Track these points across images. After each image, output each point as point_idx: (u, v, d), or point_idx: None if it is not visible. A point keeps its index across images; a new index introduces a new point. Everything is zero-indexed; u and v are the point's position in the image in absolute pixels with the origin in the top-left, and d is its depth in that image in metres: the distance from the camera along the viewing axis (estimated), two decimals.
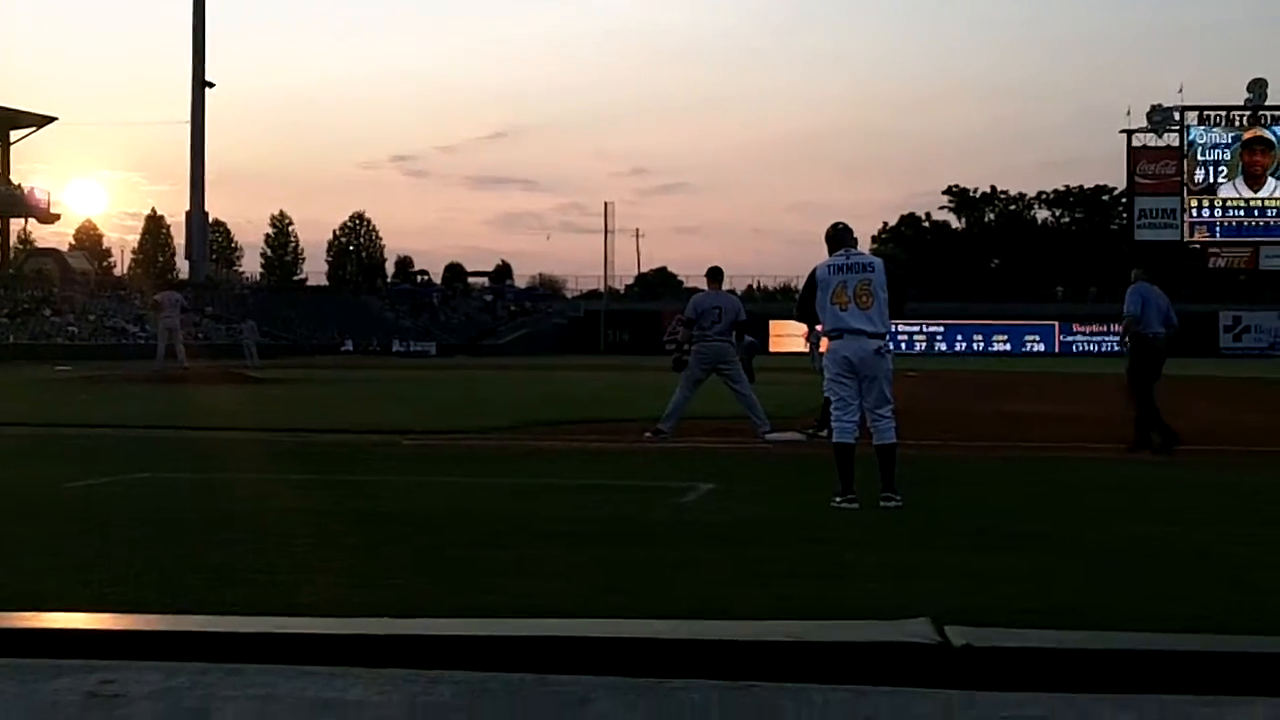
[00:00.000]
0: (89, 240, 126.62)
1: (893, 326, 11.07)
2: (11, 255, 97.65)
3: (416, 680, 1.36)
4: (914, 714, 1.35)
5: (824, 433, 14.98)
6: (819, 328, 11.62)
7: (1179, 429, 15.79)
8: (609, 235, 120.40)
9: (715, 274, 18.63)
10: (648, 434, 17.35)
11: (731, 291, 19.45)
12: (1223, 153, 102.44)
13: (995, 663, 1.47)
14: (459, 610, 5.99)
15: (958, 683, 1.42)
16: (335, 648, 1.46)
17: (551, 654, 1.44)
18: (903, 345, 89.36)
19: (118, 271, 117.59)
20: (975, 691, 1.42)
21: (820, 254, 11.27)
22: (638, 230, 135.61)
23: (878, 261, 11.07)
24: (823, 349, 12.03)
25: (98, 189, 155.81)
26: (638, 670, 1.39)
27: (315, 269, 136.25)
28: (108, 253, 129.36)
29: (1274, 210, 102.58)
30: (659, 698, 1.35)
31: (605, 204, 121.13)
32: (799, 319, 11.96)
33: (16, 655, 1.48)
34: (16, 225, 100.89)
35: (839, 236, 11.18)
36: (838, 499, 10.39)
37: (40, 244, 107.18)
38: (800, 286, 12.40)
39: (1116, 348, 16.99)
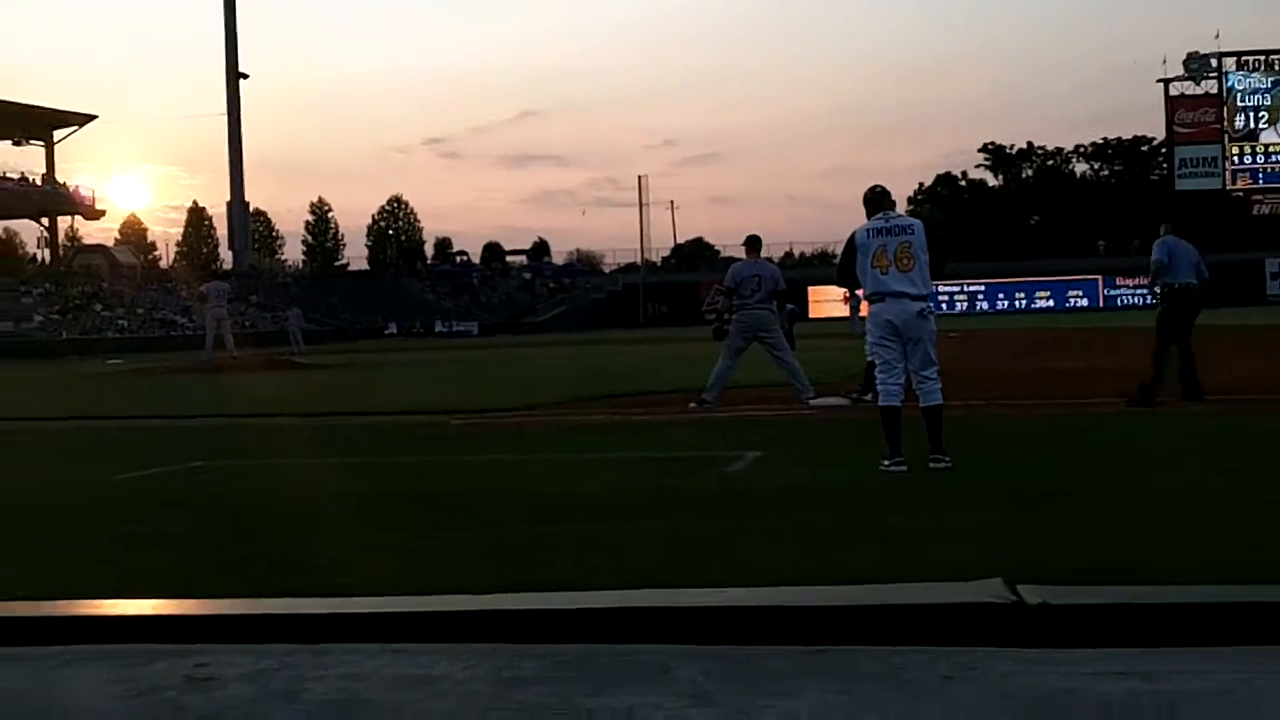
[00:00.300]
0: (134, 235, 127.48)
1: (934, 288, 11.01)
2: (60, 253, 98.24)
3: (501, 654, 1.39)
4: (995, 672, 1.37)
5: (868, 396, 14.98)
6: (860, 292, 11.59)
7: (1202, 385, 15.77)
8: (644, 208, 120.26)
9: (753, 242, 18.55)
10: (692, 404, 17.37)
11: (769, 259, 19.35)
12: (1263, 98, 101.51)
13: (1070, 620, 1.49)
14: (518, 586, 6.04)
15: (1033, 641, 1.44)
16: (417, 625, 1.49)
17: (628, 624, 1.47)
18: (944, 306, 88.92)
19: (163, 264, 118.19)
20: (1051, 649, 1.44)
21: (856, 217, 11.23)
22: (672, 202, 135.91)
23: (917, 223, 11.02)
24: (863, 312, 12.00)
25: (140, 184, 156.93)
26: (713, 638, 1.41)
27: (356, 254, 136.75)
28: (153, 246, 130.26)
29: None
30: (737, 664, 1.37)
31: (639, 177, 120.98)
32: (840, 284, 11.94)
33: (109, 641, 1.52)
34: (64, 223, 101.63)
35: (877, 199, 11.14)
36: (886, 462, 10.39)
37: (87, 240, 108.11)
38: (837, 251, 12.39)
39: (1147, 300, 16.83)
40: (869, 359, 12.29)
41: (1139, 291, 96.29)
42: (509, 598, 1.48)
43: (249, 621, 1.65)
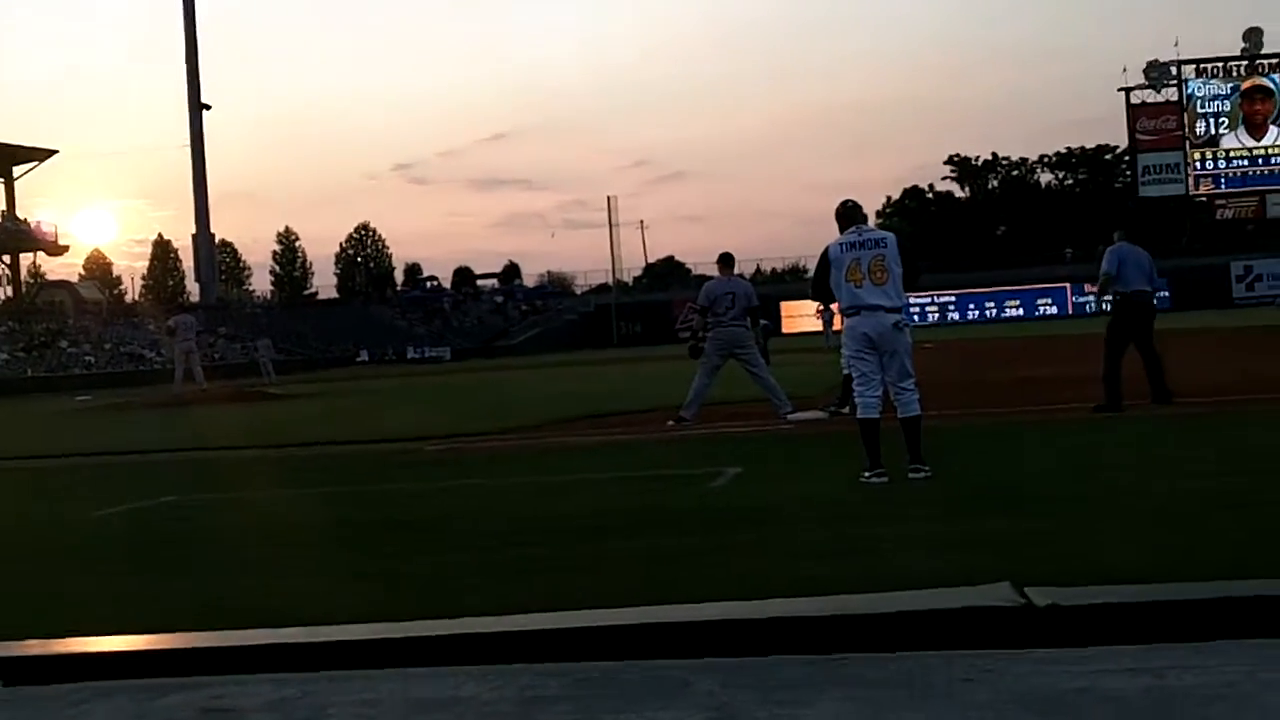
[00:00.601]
0: (99, 269, 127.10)
1: (907, 299, 11.08)
2: (24, 290, 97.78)
3: (525, 674, 1.40)
4: (1011, 674, 1.38)
5: (845, 409, 15.02)
6: (833, 306, 11.64)
7: (1173, 389, 15.90)
8: (614, 229, 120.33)
9: (726, 259, 18.60)
10: (670, 422, 17.41)
11: (742, 276, 19.40)
12: (1223, 104, 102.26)
13: (1080, 620, 1.51)
14: (507, 609, 6.04)
15: (1044, 641, 1.46)
16: (440, 648, 1.49)
17: (643, 640, 1.48)
18: (915, 317, 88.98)
19: (129, 298, 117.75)
20: (1063, 649, 1.45)
21: (827, 232, 11.28)
22: (642, 222, 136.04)
23: (890, 236, 11.08)
24: (836, 326, 12.06)
25: (104, 218, 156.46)
26: (729, 650, 1.42)
27: (325, 282, 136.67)
28: (118, 280, 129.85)
29: (1278, 158, 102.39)
30: (755, 676, 1.39)
31: (608, 198, 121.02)
32: (815, 299, 11.97)
33: (121, 677, 1.52)
34: (26, 260, 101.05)
35: (849, 214, 11.19)
36: (867, 474, 10.42)
37: (51, 276, 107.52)
38: (809, 266, 12.43)
39: (1096, 307, 16.83)
40: (845, 372, 12.31)
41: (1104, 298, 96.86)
42: (532, 618, 1.49)
43: (265, 652, 1.65)
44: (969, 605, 1.58)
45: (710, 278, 18.91)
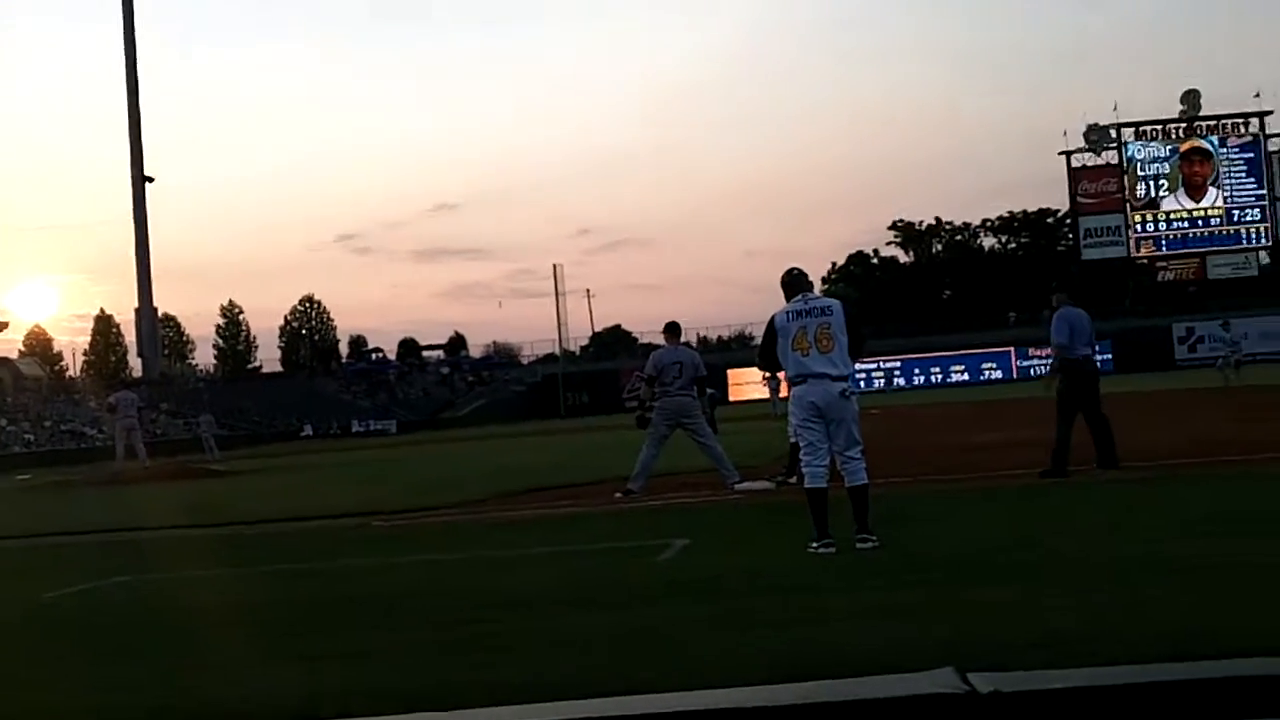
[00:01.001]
0: (39, 345, 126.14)
1: (854, 366, 11.12)
2: None
3: None
4: None
5: (792, 479, 15.03)
6: (780, 374, 11.65)
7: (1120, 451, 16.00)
8: (560, 297, 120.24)
9: (673, 329, 18.61)
10: (618, 494, 17.38)
11: (689, 345, 19.40)
12: (1162, 166, 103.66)
13: (1022, 707, 1.50)
14: (460, 689, 6.01)
15: None
16: None
17: None
18: (861, 383, 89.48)
19: (70, 374, 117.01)
20: None
21: (773, 299, 11.31)
22: (588, 290, 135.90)
23: (836, 304, 11.11)
24: (783, 394, 12.09)
25: (44, 293, 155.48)
26: None
27: (269, 356, 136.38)
28: (59, 356, 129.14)
29: (1217, 219, 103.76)
30: None
31: (554, 266, 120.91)
32: (762, 368, 11.98)
33: None
34: None
35: (795, 283, 11.23)
36: (814, 544, 10.42)
37: None
38: (755, 333, 12.48)
39: (1044, 372, 16.72)
40: (792, 440, 12.32)
41: (1049, 361, 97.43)
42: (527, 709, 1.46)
43: None
44: (911, 694, 1.56)
45: (657, 346, 18.92)
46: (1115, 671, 1.56)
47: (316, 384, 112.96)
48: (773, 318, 11.13)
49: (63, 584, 12.22)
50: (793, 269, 11.38)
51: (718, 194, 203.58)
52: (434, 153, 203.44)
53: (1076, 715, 1.47)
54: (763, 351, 11.35)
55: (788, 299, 11.15)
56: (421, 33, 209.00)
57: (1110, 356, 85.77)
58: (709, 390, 21.07)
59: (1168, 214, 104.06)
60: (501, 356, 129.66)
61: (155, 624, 9.53)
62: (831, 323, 10.83)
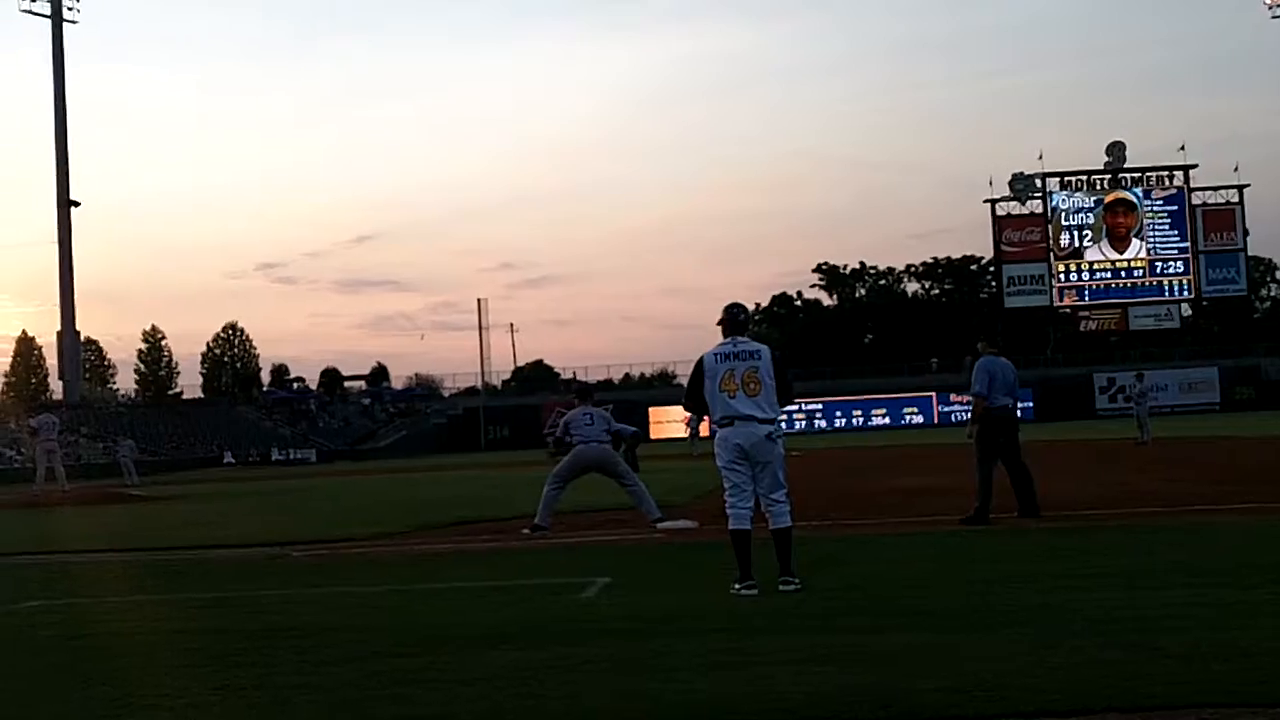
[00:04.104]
0: None
1: (781, 413, 11.14)
2: None
3: None
4: None
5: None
6: (706, 418, 11.65)
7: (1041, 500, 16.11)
8: (483, 331, 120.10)
9: (584, 393, 19.02)
10: (525, 530, 17.37)
11: (604, 406, 19.42)
12: (1086, 216, 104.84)
13: None
14: None
15: None
16: None
17: None
18: (782, 424, 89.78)
19: None
20: None
21: (696, 337, 11.34)
22: (512, 325, 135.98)
23: (764, 349, 11.11)
24: (704, 433, 12.10)
25: None
26: None
27: (190, 382, 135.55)
28: None
29: (1140, 270, 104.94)
30: None
31: (478, 300, 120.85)
32: (688, 409, 11.94)
33: None
34: None
35: (730, 322, 11.18)
36: (737, 585, 10.42)
37: None
38: (677, 371, 12.48)
39: (964, 419, 16.75)
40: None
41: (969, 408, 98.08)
42: None
43: None
44: None
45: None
46: None
47: (237, 411, 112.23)
48: (701, 359, 11.13)
49: None
50: (733, 306, 11.32)
51: (641, 232, 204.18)
52: (355, 183, 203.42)
53: None
54: (689, 392, 11.34)
55: (724, 336, 11.14)
56: (345, 62, 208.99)
57: (1031, 404, 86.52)
58: (630, 429, 21.13)
59: (1091, 264, 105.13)
60: (423, 388, 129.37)
61: (71, 650, 9.40)
62: (760, 367, 10.85)
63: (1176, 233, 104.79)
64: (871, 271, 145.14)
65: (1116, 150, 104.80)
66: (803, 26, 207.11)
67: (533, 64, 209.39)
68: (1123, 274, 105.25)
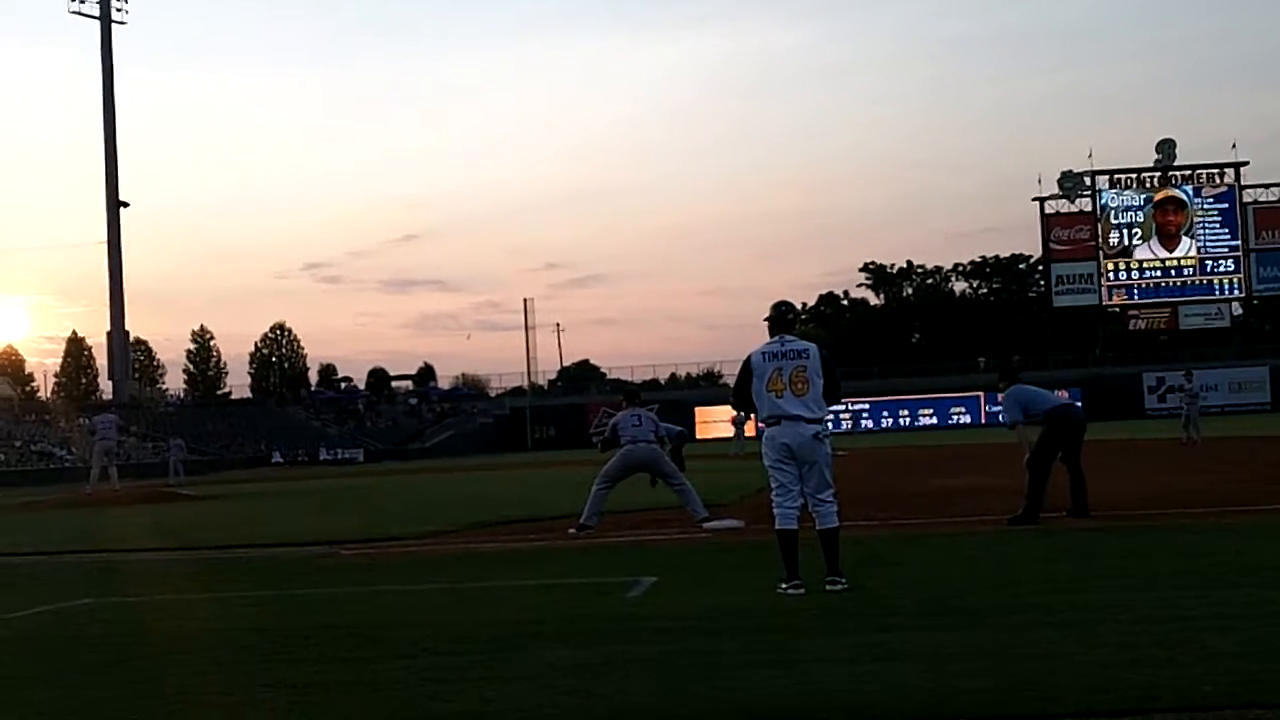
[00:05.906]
0: (10, 366, 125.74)
1: (829, 412, 11.12)
2: None
3: None
4: None
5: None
6: (752, 416, 11.62)
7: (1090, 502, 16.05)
8: (529, 331, 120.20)
9: (632, 395, 19.02)
10: (571, 530, 17.40)
11: (651, 406, 19.43)
12: (1136, 214, 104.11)
13: None
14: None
15: None
16: None
17: None
18: (829, 424, 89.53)
19: (41, 395, 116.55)
20: None
21: (742, 337, 11.31)
22: (558, 325, 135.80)
23: (812, 347, 11.07)
24: (749, 433, 12.08)
25: (15, 314, 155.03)
26: None
27: (239, 382, 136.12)
28: (30, 377, 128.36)
29: (1190, 269, 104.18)
30: None
31: (525, 300, 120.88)
32: (737, 407, 11.91)
33: None
34: None
35: (776, 321, 11.12)
36: (784, 585, 10.41)
37: None
38: (724, 371, 12.45)
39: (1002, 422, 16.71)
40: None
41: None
42: None
43: None
44: None
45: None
46: None
47: (286, 411, 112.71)
48: (748, 358, 11.11)
49: (27, 605, 12.18)
50: (780, 304, 11.29)
51: (686, 231, 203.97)
52: (402, 183, 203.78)
53: None
54: (737, 391, 11.33)
55: (771, 335, 11.11)
56: (389, 64, 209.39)
57: (1080, 404, 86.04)
58: (677, 429, 21.15)
59: (1140, 263, 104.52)
60: (470, 388, 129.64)
61: (122, 648, 9.48)
62: (808, 365, 10.81)
63: (1227, 231, 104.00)
64: (919, 270, 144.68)
65: (1166, 148, 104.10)
66: (850, 23, 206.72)
67: (576, 63, 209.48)
68: (1172, 272, 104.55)
